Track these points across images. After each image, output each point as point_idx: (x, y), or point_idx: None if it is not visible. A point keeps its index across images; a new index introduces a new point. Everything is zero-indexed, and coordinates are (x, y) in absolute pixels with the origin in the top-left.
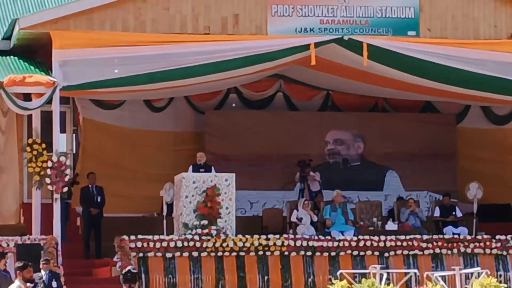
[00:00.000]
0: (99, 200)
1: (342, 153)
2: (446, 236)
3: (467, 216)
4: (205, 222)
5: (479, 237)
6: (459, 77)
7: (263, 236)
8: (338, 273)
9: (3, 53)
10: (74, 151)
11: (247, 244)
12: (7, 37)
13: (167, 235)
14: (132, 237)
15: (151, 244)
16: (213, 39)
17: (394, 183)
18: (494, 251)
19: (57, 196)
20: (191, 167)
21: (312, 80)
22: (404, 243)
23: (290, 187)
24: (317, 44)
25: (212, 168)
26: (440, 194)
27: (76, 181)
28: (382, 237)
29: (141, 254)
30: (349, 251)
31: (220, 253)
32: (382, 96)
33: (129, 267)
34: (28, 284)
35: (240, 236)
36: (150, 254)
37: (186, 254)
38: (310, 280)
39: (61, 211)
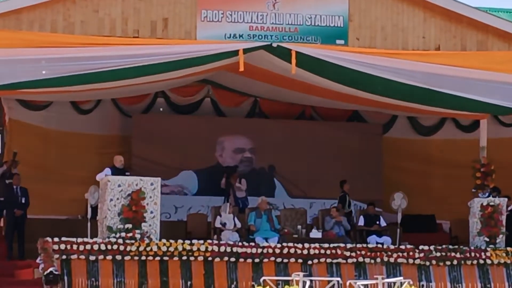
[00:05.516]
0: (23, 201)
1: (255, 161)
2: (369, 245)
3: (391, 226)
4: (129, 225)
5: (402, 247)
6: (387, 87)
7: (187, 241)
8: (261, 280)
9: None
10: (0, 152)
11: (171, 249)
12: None
13: (91, 238)
14: (56, 239)
15: (75, 247)
16: (142, 42)
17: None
18: (417, 261)
19: None
20: (109, 170)
21: (240, 86)
22: (328, 251)
23: (216, 193)
24: (245, 51)
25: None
26: (365, 203)
27: (15, 160)
28: (306, 245)
29: (64, 257)
30: (272, 258)
31: (143, 257)
32: (309, 104)
33: (51, 269)
34: None
35: (164, 240)
36: (73, 256)
37: (109, 257)
38: (233, 286)
39: None
